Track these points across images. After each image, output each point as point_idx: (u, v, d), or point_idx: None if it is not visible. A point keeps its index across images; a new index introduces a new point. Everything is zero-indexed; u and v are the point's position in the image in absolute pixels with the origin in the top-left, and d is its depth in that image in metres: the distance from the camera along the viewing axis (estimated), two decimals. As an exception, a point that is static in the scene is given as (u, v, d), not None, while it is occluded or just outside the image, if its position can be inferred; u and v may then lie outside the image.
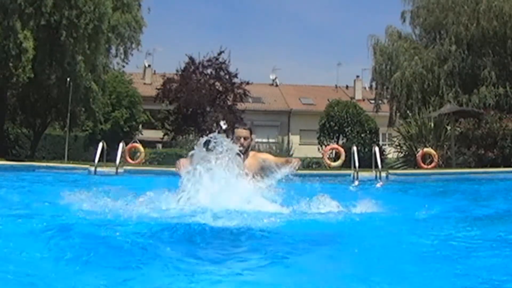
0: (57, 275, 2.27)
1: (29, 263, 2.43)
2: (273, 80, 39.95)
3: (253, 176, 4.27)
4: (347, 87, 39.81)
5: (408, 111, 20.90)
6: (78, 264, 2.38)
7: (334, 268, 2.53)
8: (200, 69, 26.45)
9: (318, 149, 20.13)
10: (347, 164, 14.89)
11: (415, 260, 2.65)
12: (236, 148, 4.07)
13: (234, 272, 2.38)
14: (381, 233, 3.34)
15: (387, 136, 27.10)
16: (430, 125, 17.83)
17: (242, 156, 4.33)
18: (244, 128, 4.64)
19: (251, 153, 4.68)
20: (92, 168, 11.21)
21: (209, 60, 26.43)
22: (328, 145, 19.18)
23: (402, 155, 18.84)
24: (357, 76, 38.97)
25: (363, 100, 34.22)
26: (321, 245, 3.01)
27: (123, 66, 24.40)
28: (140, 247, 2.67)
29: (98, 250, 2.60)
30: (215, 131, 4.10)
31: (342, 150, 17.00)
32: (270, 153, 5.11)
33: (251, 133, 4.66)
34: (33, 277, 2.23)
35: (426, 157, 15.46)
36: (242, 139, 4.52)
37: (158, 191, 4.15)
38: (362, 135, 19.52)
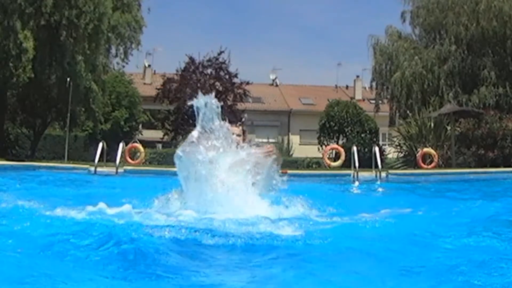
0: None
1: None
2: (273, 80, 39.93)
3: None
4: (347, 87, 39.81)
5: (408, 111, 20.89)
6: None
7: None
8: (200, 69, 26.43)
9: (318, 149, 20.12)
10: (347, 164, 14.89)
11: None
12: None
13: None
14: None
15: (387, 136, 27.11)
16: (430, 125, 17.83)
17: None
18: (236, 126, 4.44)
19: None
20: (92, 168, 11.23)
21: (209, 60, 26.41)
22: (328, 145, 19.19)
23: (402, 155, 18.85)
24: (357, 76, 39.05)
25: (363, 100, 34.22)
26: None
27: (123, 66, 24.40)
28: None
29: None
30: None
31: (342, 150, 17.02)
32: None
33: (244, 133, 4.47)
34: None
35: (426, 157, 15.46)
36: (233, 136, 4.26)
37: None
38: (362, 135, 19.50)
